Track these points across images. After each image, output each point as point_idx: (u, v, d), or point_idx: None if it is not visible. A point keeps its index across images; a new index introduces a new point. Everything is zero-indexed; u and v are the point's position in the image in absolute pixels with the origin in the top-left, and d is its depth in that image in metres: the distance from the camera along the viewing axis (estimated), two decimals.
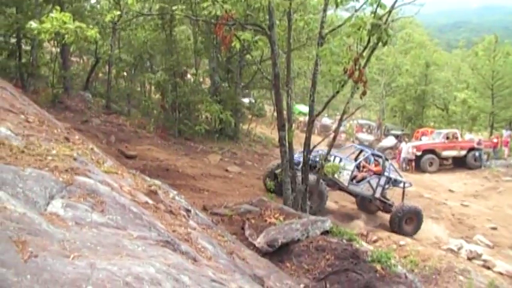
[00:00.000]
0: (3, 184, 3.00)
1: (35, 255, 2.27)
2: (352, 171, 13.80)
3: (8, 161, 3.38)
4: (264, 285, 4.75)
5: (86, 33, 7.25)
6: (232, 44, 9.66)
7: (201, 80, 23.85)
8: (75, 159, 4.11)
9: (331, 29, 11.19)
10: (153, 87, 25.65)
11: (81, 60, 30.97)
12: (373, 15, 7.76)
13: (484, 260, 12.20)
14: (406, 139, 32.15)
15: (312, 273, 6.37)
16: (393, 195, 15.09)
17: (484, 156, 26.52)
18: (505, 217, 17.28)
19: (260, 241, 7.00)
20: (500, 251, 13.73)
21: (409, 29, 46.55)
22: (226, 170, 15.73)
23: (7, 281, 2.00)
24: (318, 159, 11.72)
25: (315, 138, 12.16)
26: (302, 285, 5.98)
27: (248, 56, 20.22)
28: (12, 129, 4.19)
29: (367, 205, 15.26)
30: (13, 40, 19.35)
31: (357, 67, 8.29)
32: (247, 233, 7.43)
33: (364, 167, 14.54)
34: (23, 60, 19.29)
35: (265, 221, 7.85)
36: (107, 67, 23.14)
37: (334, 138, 10.91)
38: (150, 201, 4.54)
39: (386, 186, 14.57)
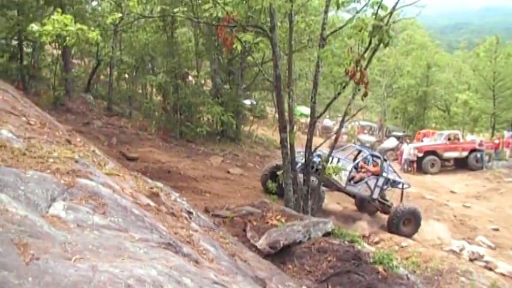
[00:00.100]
0: (5, 186, 3.00)
1: (37, 258, 2.27)
2: (350, 172, 13.74)
3: (9, 164, 3.38)
4: (266, 287, 4.74)
5: (87, 36, 7.26)
6: (234, 46, 9.69)
7: (203, 82, 23.87)
8: (76, 161, 4.11)
9: (333, 31, 11.18)
10: (154, 89, 25.65)
11: (83, 63, 31.02)
12: (374, 16, 7.77)
13: (486, 261, 12.17)
14: (408, 140, 32.16)
15: (313, 274, 6.36)
16: (393, 195, 15.05)
17: (486, 158, 26.50)
18: (506, 218, 17.23)
19: (262, 243, 6.99)
20: (502, 252, 13.70)
21: (410, 30, 46.65)
22: (228, 172, 15.71)
23: (8, 284, 2.00)
24: (315, 158, 11.66)
25: (316, 140, 12.16)
26: (304, 287, 5.97)
27: (249, 57, 20.23)
28: (14, 131, 4.19)
29: (366, 206, 15.19)
30: (14, 42, 19.39)
31: (358, 68, 8.29)
32: (249, 234, 7.42)
33: (362, 167, 14.50)
34: (25, 63, 19.33)
35: (267, 222, 7.84)
36: (108, 69, 23.18)
37: (336, 139, 10.89)
38: (152, 204, 4.53)
39: (385, 187, 14.52)
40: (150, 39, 22.10)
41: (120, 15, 9.29)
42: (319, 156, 11.87)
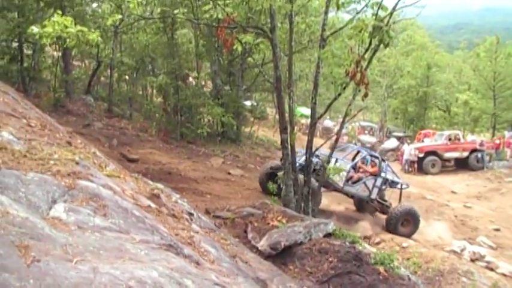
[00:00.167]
0: (6, 189, 3.00)
1: (38, 260, 2.27)
2: (348, 172, 13.71)
3: (10, 166, 3.38)
4: None
5: (87, 37, 7.26)
6: (234, 47, 9.70)
7: (203, 83, 23.86)
8: (77, 163, 4.11)
9: (333, 32, 11.19)
10: (155, 91, 25.66)
11: (83, 64, 30.99)
12: (374, 17, 7.77)
13: (488, 262, 12.16)
14: (408, 141, 32.12)
15: (314, 275, 6.35)
16: (391, 195, 15.00)
17: (487, 158, 26.48)
18: (507, 218, 17.22)
19: (263, 244, 6.98)
20: (503, 252, 13.68)
21: (410, 30, 46.59)
22: (229, 173, 15.70)
23: (10, 286, 2.00)
24: (313, 159, 11.65)
25: (317, 141, 12.16)
26: None
27: (250, 58, 20.26)
28: (15, 133, 4.19)
29: (364, 206, 15.16)
30: (15, 44, 19.37)
31: (359, 69, 8.30)
32: (250, 236, 7.41)
33: (360, 168, 14.48)
34: (25, 65, 19.32)
35: (268, 223, 7.83)
36: (108, 71, 23.16)
37: (337, 140, 10.89)
38: (153, 205, 4.53)
39: (383, 187, 14.49)
40: (151, 40, 22.11)
41: (120, 16, 9.32)
42: (317, 157, 11.84)
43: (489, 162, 26.51)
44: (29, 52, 19.98)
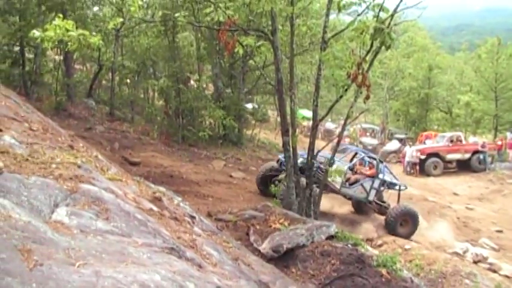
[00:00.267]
0: (8, 193, 3.00)
1: (40, 264, 2.27)
2: (345, 174, 13.68)
3: (12, 169, 3.39)
4: None
5: (89, 41, 7.26)
6: (235, 50, 9.69)
7: (204, 86, 23.85)
8: (79, 166, 4.11)
9: (334, 34, 11.15)
10: (156, 94, 25.68)
11: (85, 68, 31.05)
12: (375, 19, 7.77)
13: (490, 263, 12.13)
14: (410, 143, 32.04)
15: (317, 278, 6.34)
16: (390, 197, 14.94)
17: (489, 159, 26.41)
18: (510, 220, 17.17)
19: (265, 247, 6.98)
20: (506, 254, 13.65)
21: (411, 32, 46.54)
22: (231, 176, 15.70)
23: None
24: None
25: (318, 143, 12.15)
26: None
27: (251, 61, 20.28)
28: (17, 137, 4.20)
29: (362, 207, 15.11)
30: (16, 48, 19.43)
31: (360, 71, 8.29)
32: (252, 238, 7.41)
33: (357, 169, 14.44)
34: (27, 68, 19.37)
35: (270, 226, 7.83)
36: (110, 74, 23.22)
37: (338, 142, 10.87)
38: (155, 208, 4.53)
39: (381, 188, 14.44)
40: (152, 43, 22.12)
41: (121, 20, 9.33)
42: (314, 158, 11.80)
43: (491, 164, 26.45)
44: (31, 56, 20.04)
